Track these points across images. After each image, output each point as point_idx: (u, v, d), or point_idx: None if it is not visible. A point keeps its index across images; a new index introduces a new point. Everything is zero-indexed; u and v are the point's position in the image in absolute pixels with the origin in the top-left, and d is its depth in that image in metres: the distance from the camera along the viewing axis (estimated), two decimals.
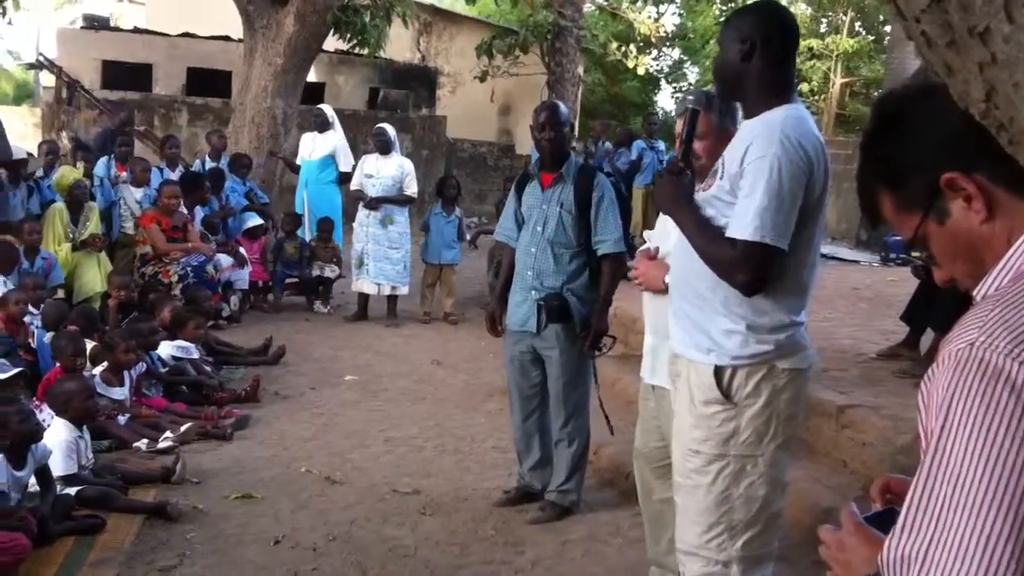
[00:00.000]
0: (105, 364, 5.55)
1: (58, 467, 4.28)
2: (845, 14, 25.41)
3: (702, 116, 3.01)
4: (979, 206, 1.17)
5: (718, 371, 2.58)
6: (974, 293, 1.19)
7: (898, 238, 10.77)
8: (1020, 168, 1.07)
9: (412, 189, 9.06)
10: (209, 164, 10.21)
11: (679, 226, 2.69)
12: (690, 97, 2.92)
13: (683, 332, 2.69)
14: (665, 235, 3.24)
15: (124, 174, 8.99)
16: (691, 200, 2.68)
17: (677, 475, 2.74)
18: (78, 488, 4.27)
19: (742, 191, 2.50)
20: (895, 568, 1.05)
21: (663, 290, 3.04)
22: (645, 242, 3.55)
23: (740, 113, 3.31)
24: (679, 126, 3.22)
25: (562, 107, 4.61)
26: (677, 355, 2.75)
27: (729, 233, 2.50)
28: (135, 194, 8.82)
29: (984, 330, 1.04)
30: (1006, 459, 0.97)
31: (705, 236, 2.58)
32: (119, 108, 13.32)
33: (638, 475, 3.59)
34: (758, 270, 2.49)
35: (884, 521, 1.26)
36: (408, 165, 9.15)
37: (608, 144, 11.90)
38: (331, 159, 10.20)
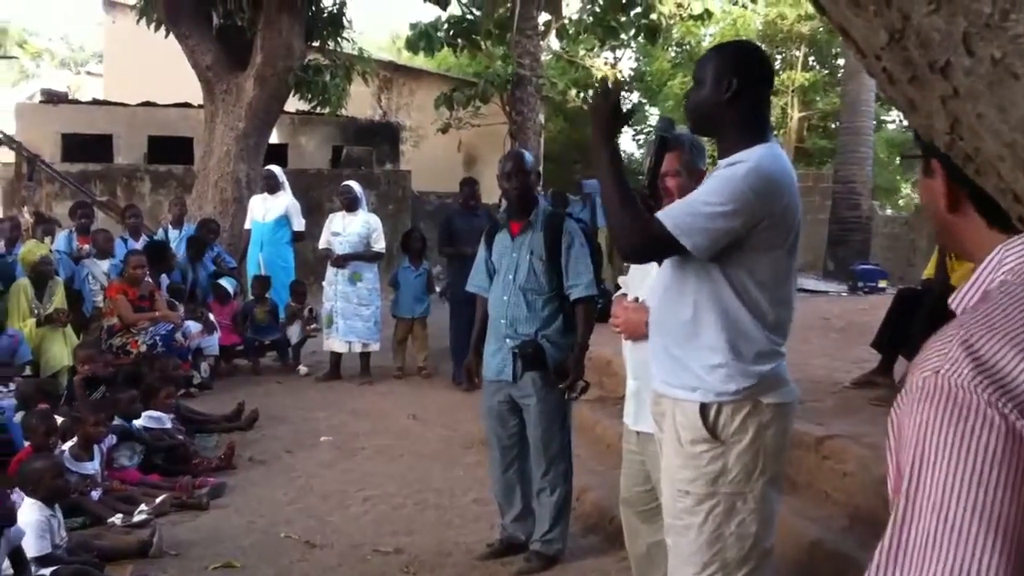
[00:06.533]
0: (75, 439, 5.45)
1: (31, 548, 4.17)
2: (798, 49, 25.86)
3: (674, 153, 3.04)
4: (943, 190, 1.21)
5: (703, 409, 2.57)
6: (949, 301, 1.20)
7: (866, 266, 10.84)
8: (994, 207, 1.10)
9: (380, 245, 9.05)
10: (172, 232, 10.18)
11: (597, 162, 2.71)
12: (660, 125, 2.91)
13: (666, 371, 2.68)
14: (641, 279, 3.24)
15: (87, 247, 8.92)
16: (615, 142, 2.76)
17: (667, 516, 2.72)
18: (53, 568, 4.17)
19: (696, 190, 2.60)
20: None
21: (646, 335, 3.03)
22: (619, 287, 3.55)
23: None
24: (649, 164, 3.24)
25: (527, 155, 4.64)
26: (660, 395, 2.73)
27: (659, 213, 2.57)
28: (102, 266, 8.75)
29: (948, 357, 1.04)
30: (987, 486, 0.97)
31: (620, 188, 2.62)
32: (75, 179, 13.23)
33: (624, 522, 3.56)
34: (651, 251, 2.63)
35: None
36: (375, 221, 9.15)
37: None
38: (284, 220, 10.22)
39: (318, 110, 13.54)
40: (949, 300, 1.20)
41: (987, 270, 1.15)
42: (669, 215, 2.52)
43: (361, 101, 18.64)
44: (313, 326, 9.59)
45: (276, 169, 10.65)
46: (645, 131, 30.77)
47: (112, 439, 5.73)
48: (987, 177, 0.81)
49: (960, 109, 0.76)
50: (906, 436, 1.06)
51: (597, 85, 3.31)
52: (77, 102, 19.41)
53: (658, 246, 2.56)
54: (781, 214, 2.52)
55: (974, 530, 0.96)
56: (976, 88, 0.73)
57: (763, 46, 26.46)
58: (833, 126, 23.25)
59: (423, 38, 16.57)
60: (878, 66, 0.83)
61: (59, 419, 5.64)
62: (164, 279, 9.00)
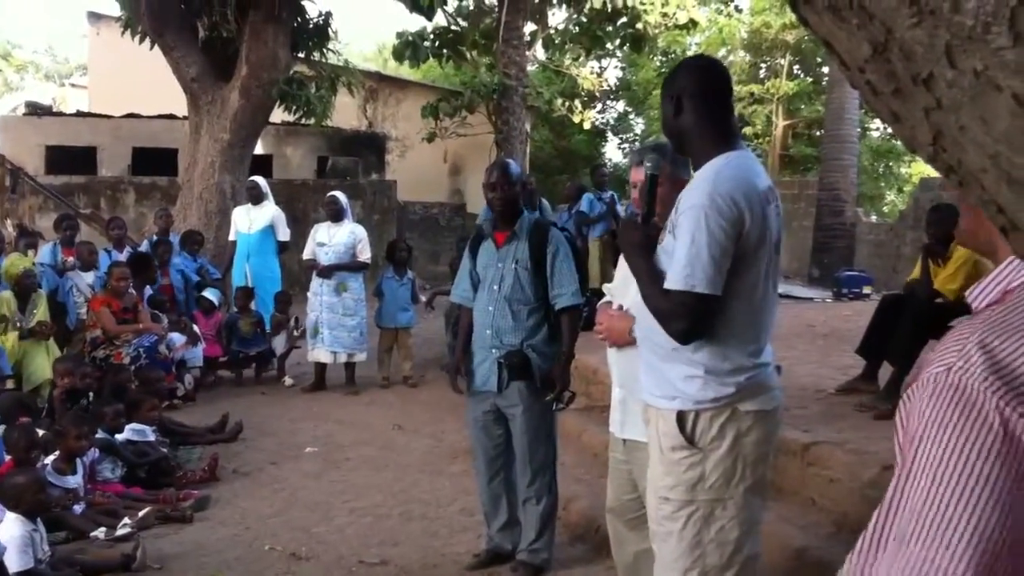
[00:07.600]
0: (57, 453, 5.41)
1: (13, 563, 4.14)
2: (783, 58, 26.00)
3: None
4: None
5: (681, 416, 2.59)
6: (966, 295, 1.20)
7: (850, 273, 10.86)
8: None
9: (365, 255, 9.04)
10: None
11: (633, 272, 2.73)
12: (648, 164, 2.90)
13: (649, 381, 2.72)
14: (626, 288, 3.24)
15: (71, 259, 8.87)
16: (649, 249, 2.70)
17: (651, 523, 2.75)
18: None
19: (677, 240, 2.55)
20: None
21: (630, 343, 3.03)
22: (604, 295, 3.54)
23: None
24: (633, 174, 3.25)
25: (513, 165, 4.63)
26: (646, 405, 2.76)
27: (665, 284, 2.54)
28: (86, 278, 8.70)
29: (963, 355, 1.03)
30: (978, 490, 0.97)
31: (651, 286, 2.62)
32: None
33: (611, 530, 3.56)
34: (691, 318, 2.52)
35: None
36: (360, 231, 9.14)
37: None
38: (270, 230, 10.20)
39: (303, 121, 13.53)
40: (966, 294, 1.20)
41: (1009, 268, 1.16)
42: (676, 281, 2.50)
43: (347, 111, 18.66)
44: (299, 331, 9.54)
45: (259, 179, 10.64)
46: (631, 139, 30.87)
47: (95, 452, 5.69)
48: (970, 188, 0.81)
49: (943, 121, 0.76)
50: (912, 429, 1.06)
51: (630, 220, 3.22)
52: (61, 114, 19.39)
53: (691, 312, 2.51)
54: (751, 217, 2.52)
55: (949, 534, 0.97)
56: (959, 100, 0.73)
57: (748, 55, 26.63)
58: (818, 133, 23.34)
59: (409, 48, 16.60)
60: (862, 78, 0.84)
61: (41, 433, 5.60)
62: (147, 291, 8.95)
